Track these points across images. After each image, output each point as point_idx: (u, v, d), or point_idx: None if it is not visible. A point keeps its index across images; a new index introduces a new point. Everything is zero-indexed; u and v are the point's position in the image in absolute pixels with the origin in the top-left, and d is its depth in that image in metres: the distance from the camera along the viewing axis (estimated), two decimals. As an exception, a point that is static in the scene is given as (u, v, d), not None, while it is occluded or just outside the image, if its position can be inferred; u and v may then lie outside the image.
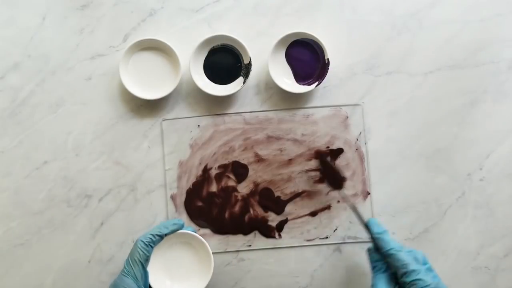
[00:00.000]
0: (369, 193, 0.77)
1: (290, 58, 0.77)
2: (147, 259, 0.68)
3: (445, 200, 0.77)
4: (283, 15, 0.78)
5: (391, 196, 0.77)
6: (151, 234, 0.69)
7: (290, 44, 0.77)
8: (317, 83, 0.76)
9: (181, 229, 0.71)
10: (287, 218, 0.77)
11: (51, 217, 0.77)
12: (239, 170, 0.78)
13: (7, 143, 0.78)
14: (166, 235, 0.69)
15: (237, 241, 0.77)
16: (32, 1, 0.78)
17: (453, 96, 0.78)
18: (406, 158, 0.77)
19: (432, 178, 0.77)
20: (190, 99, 0.78)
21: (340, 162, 0.78)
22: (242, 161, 0.78)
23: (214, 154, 0.78)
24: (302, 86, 0.77)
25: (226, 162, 0.78)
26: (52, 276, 0.77)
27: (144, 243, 0.68)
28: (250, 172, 0.78)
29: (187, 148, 0.78)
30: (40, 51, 0.78)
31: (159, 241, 0.69)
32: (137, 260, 0.67)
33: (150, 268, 0.69)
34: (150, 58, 0.77)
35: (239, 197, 0.77)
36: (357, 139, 0.78)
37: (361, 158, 0.78)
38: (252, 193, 0.77)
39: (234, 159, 0.78)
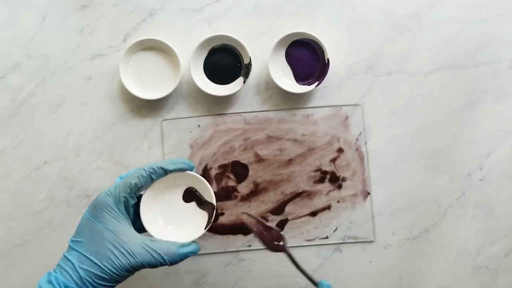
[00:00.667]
0: (369, 193, 0.78)
1: (290, 58, 0.77)
2: (139, 189, 0.61)
3: (445, 200, 0.78)
4: (283, 15, 0.78)
5: (391, 196, 0.78)
6: (156, 166, 0.61)
7: (290, 44, 0.77)
8: (317, 83, 0.76)
9: (189, 170, 0.63)
10: (287, 218, 0.78)
11: (51, 217, 0.78)
12: (239, 170, 0.78)
13: (7, 143, 0.78)
14: (171, 171, 0.62)
15: (237, 241, 0.78)
16: (32, 1, 0.78)
17: (453, 96, 0.78)
18: (406, 158, 0.78)
19: (432, 178, 0.78)
20: (190, 99, 0.78)
21: (340, 162, 0.78)
22: (242, 161, 0.78)
23: (214, 154, 0.78)
24: (302, 86, 0.77)
25: (226, 162, 0.78)
26: (52, 276, 0.77)
27: (145, 171, 0.61)
28: (250, 172, 0.78)
29: (187, 148, 0.78)
30: (40, 51, 0.78)
31: (161, 175, 0.61)
32: (128, 185, 0.60)
33: (145, 204, 0.62)
34: (150, 58, 0.77)
35: (239, 197, 0.78)
36: (357, 139, 0.78)
37: (361, 158, 0.78)
38: (252, 193, 0.78)
39: (234, 159, 0.78)
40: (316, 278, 0.78)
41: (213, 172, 0.78)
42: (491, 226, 0.77)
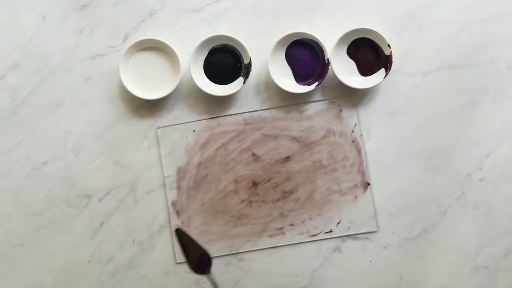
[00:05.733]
0: (369, 184, 0.81)
1: (290, 58, 0.81)
2: None
3: (445, 200, 0.81)
4: (283, 15, 0.82)
5: (391, 196, 0.81)
6: None
7: (290, 44, 0.80)
8: (317, 83, 0.80)
9: None
10: (288, 215, 0.81)
11: (51, 217, 0.81)
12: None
13: (7, 143, 0.81)
14: None
15: (242, 243, 0.81)
16: (32, 1, 0.81)
17: (453, 96, 0.81)
18: (406, 158, 0.81)
19: (431, 178, 0.81)
20: (190, 99, 0.82)
21: (337, 155, 0.81)
22: (240, 162, 0.81)
23: (212, 157, 0.81)
24: (302, 86, 0.81)
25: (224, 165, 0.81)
26: (52, 276, 0.81)
27: None
28: (249, 173, 0.81)
29: (184, 154, 0.81)
30: (40, 51, 0.81)
31: None
32: None
33: None
34: (150, 58, 0.81)
35: (240, 199, 0.81)
36: (352, 131, 0.81)
37: (358, 150, 0.81)
38: (252, 194, 0.81)
39: (231, 161, 0.81)
40: (316, 277, 0.82)
41: (212, 175, 0.81)
42: (491, 226, 0.81)
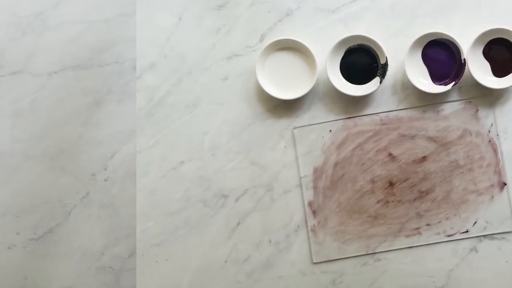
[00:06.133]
0: (505, 184, 0.81)
1: (426, 58, 0.81)
2: None
3: None
4: (419, 15, 0.82)
5: (527, 196, 0.81)
6: None
7: (426, 44, 0.80)
8: (453, 83, 0.80)
9: None
10: (425, 215, 0.81)
11: (188, 217, 0.81)
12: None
13: (144, 143, 0.82)
14: None
15: (378, 242, 0.81)
16: (169, 1, 0.82)
17: None
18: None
19: None
20: (327, 99, 0.82)
21: (474, 155, 0.81)
22: (376, 162, 0.81)
23: (348, 157, 0.81)
24: (439, 86, 0.81)
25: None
26: (188, 276, 0.81)
27: None
28: (385, 172, 0.81)
29: (320, 154, 0.82)
30: (176, 51, 0.82)
31: None
32: None
33: None
34: (286, 58, 0.81)
35: (376, 199, 0.81)
36: (489, 131, 0.81)
37: (495, 150, 0.81)
38: (388, 194, 0.81)
39: (368, 161, 0.81)
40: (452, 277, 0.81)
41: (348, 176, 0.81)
42: None
